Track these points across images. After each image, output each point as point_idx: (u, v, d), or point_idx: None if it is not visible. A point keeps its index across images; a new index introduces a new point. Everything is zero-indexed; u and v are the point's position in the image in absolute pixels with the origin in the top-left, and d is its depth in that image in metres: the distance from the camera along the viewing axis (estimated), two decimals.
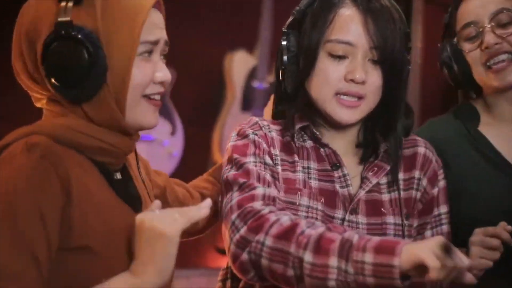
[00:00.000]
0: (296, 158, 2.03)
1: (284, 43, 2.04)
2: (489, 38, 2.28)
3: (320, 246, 1.81)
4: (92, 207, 1.68)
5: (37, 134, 1.66)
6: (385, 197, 2.07)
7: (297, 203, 1.98)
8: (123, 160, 1.82)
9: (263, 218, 1.89)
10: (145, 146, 4.66)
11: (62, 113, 1.74)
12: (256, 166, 1.98)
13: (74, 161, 1.69)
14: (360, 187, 2.04)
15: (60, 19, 1.68)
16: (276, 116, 2.12)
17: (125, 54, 1.72)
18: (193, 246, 4.67)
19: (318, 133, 2.05)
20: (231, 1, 5.06)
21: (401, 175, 2.09)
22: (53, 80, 1.70)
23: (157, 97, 1.79)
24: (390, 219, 2.04)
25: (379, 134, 2.07)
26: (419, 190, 2.09)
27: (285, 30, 2.06)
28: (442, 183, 2.13)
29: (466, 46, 2.33)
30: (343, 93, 2.00)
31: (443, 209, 2.13)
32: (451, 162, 2.27)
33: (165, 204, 1.89)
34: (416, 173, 2.10)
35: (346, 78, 1.99)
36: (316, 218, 1.98)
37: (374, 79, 2.01)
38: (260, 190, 1.95)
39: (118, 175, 1.81)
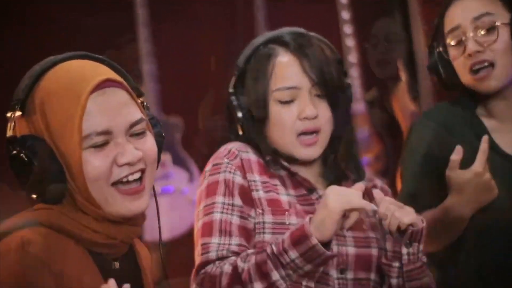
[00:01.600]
0: (278, 182, 2.22)
1: (234, 102, 2.21)
2: (471, 46, 2.33)
3: (260, 272, 2.07)
4: None
5: (35, 225, 1.64)
6: None
7: (287, 223, 2.15)
8: (122, 250, 1.75)
9: (213, 277, 2.11)
10: (168, 199, 4.62)
11: None
12: (223, 211, 2.16)
13: (70, 253, 1.65)
14: None
15: (7, 135, 1.70)
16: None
17: (72, 150, 1.66)
18: None
19: (286, 164, 2.23)
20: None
21: None
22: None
23: (131, 177, 1.70)
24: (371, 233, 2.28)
25: (340, 159, 2.27)
26: None
27: (231, 90, 2.22)
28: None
29: (452, 53, 2.39)
30: (302, 132, 2.20)
31: None
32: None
33: None
34: None
35: (300, 117, 2.20)
36: None
37: (323, 111, 2.21)
38: (213, 255, 2.14)
39: (116, 265, 1.74)
